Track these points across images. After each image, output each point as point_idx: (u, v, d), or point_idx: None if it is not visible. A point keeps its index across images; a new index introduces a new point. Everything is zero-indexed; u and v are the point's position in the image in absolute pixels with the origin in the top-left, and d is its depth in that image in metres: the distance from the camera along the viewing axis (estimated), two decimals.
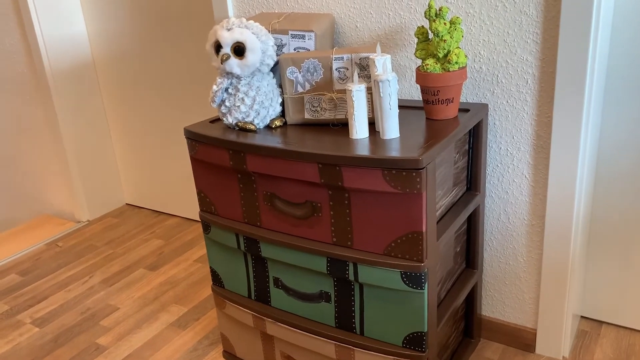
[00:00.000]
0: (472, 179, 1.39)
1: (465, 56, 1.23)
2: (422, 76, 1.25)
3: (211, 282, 1.55)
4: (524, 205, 1.41)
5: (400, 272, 1.13)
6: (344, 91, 1.28)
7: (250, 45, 1.24)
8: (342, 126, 1.29)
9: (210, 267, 1.49)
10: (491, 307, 1.56)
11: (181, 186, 2.48)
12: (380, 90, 1.15)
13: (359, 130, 1.20)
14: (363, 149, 1.12)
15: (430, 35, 1.32)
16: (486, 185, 1.44)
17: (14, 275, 2.16)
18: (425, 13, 1.22)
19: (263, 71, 1.29)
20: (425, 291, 1.14)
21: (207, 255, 1.48)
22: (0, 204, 2.92)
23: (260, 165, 1.23)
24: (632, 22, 1.30)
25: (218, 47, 1.26)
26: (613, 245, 1.52)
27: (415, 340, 1.19)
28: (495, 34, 1.31)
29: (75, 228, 2.53)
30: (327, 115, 1.31)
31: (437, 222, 1.24)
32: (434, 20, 1.21)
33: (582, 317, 1.64)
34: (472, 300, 1.51)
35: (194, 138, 1.33)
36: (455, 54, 1.21)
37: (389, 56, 1.17)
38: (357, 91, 1.17)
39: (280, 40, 1.38)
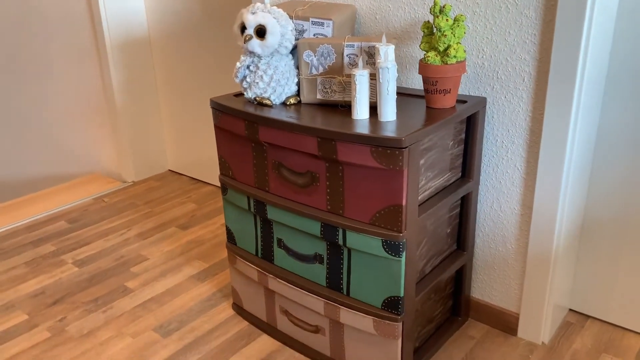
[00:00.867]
0: (466, 166, 1.49)
1: (464, 51, 1.34)
2: (423, 67, 1.37)
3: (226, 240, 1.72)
4: (515, 196, 1.51)
5: (382, 240, 1.27)
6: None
7: (271, 28, 1.39)
8: (349, 107, 1.43)
9: (226, 226, 1.67)
10: (480, 290, 1.66)
11: (217, 158, 2.67)
12: (380, 77, 1.28)
13: (360, 111, 1.33)
14: (358, 128, 1.26)
15: (435, 30, 1.43)
16: (481, 174, 1.55)
17: (63, 222, 2.43)
18: (430, 9, 1.34)
19: (281, 52, 1.44)
20: (403, 259, 1.27)
21: (224, 214, 1.66)
22: (57, 161, 3.23)
23: (270, 136, 1.38)
24: (635, 24, 1.37)
25: (243, 28, 1.42)
26: (604, 242, 1.59)
27: (392, 304, 1.32)
28: (498, 33, 1.40)
29: (121, 187, 2.78)
30: (336, 97, 1.45)
31: (426, 201, 1.36)
32: (438, 16, 1.32)
33: (570, 310, 1.72)
34: (460, 281, 1.62)
35: (218, 108, 1.50)
36: (455, 49, 1.32)
37: (392, 46, 1.29)
38: (360, 76, 1.30)
39: (302, 26, 1.52)
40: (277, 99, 1.47)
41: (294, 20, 1.51)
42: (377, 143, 1.20)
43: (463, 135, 1.46)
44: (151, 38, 2.72)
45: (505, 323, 1.63)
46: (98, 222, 2.41)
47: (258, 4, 1.41)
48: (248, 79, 1.46)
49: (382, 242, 1.27)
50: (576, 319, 1.68)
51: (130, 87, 2.70)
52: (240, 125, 1.44)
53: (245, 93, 1.49)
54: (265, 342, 1.62)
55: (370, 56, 1.39)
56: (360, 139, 1.22)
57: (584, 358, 1.52)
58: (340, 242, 1.34)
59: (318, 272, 1.45)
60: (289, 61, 1.47)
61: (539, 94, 1.39)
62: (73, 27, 2.73)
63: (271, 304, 1.62)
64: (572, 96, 1.31)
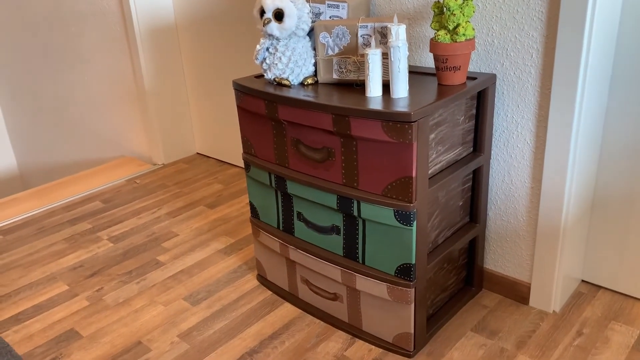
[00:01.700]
0: (477, 141, 1.55)
1: (473, 29, 1.39)
2: (433, 45, 1.43)
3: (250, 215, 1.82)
4: (525, 169, 1.56)
5: (393, 210, 1.34)
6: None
7: (288, 12, 1.47)
8: (364, 86, 1.50)
9: (250, 202, 1.77)
10: (493, 261, 1.73)
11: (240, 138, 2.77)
12: (392, 55, 1.35)
13: (373, 89, 1.40)
14: (370, 104, 1.33)
15: (444, 10, 1.48)
16: (493, 148, 1.60)
17: (97, 202, 2.57)
18: None
19: (299, 35, 1.52)
20: (414, 228, 1.34)
21: (248, 190, 1.75)
22: (91, 146, 3.38)
23: (289, 114, 1.47)
24: None
25: (262, 12, 1.50)
26: (615, 215, 1.63)
27: (405, 271, 1.40)
28: (507, 11, 1.45)
29: (151, 169, 2.91)
30: (351, 76, 1.52)
31: (437, 174, 1.43)
32: None
33: (583, 281, 1.76)
34: (474, 253, 1.69)
35: (240, 89, 1.59)
36: (463, 27, 1.38)
37: (404, 26, 1.35)
38: (373, 55, 1.37)
39: (318, 9, 1.59)
40: (295, 80, 1.54)
41: (310, 4, 1.58)
42: (387, 118, 1.27)
43: (474, 111, 1.52)
44: (177, 25, 2.82)
45: (517, 293, 1.69)
46: (130, 202, 2.54)
47: None
48: (268, 61, 1.55)
49: (394, 212, 1.35)
50: (588, 290, 1.72)
51: (158, 73, 2.82)
52: (261, 105, 1.53)
53: (265, 74, 1.57)
54: (287, 310, 1.72)
55: (383, 36, 1.45)
56: (372, 115, 1.29)
57: (593, 325, 1.57)
58: (355, 213, 1.42)
59: (335, 243, 1.53)
60: (306, 43, 1.54)
61: (546, 69, 1.43)
62: (104, 17, 2.85)
63: (292, 273, 1.71)
64: (578, 71, 1.36)
